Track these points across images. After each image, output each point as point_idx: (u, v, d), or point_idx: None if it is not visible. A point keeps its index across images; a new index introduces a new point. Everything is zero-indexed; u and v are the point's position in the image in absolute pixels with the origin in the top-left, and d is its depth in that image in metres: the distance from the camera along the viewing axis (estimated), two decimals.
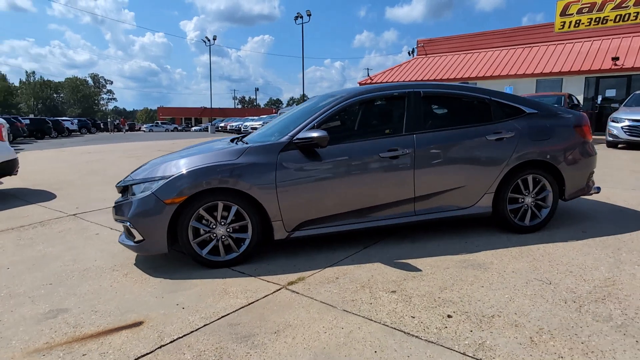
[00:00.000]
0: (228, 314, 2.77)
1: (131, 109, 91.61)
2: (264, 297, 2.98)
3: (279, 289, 3.10)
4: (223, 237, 3.51)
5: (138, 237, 3.44)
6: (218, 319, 2.71)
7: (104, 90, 76.97)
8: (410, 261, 3.52)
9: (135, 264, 3.72)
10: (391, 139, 3.81)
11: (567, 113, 4.36)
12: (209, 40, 44.81)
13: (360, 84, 26.83)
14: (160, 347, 2.42)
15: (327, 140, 3.50)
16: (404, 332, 2.47)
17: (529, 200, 4.08)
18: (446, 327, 2.50)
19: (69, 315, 2.86)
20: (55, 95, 68.80)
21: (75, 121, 36.34)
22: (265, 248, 3.93)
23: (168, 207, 3.35)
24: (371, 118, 4.28)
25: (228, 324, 2.64)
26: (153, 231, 3.39)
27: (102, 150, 16.98)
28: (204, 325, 2.64)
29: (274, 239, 3.62)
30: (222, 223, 3.49)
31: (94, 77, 75.53)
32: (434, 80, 24.22)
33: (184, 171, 3.42)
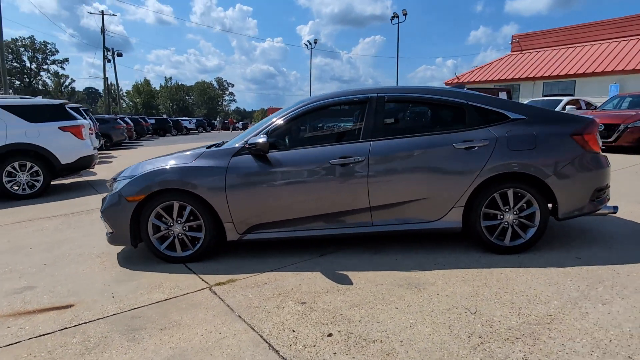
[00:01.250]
0: (139, 307, 2.95)
1: (250, 110, 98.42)
2: (183, 295, 3.12)
3: (203, 289, 3.21)
4: (179, 234, 3.72)
5: (108, 229, 3.81)
6: (128, 310, 2.91)
7: (226, 92, 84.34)
8: (351, 273, 3.37)
9: (118, 254, 4.12)
10: (346, 145, 3.65)
11: (569, 119, 3.73)
12: (310, 43, 46.36)
13: (446, 84, 25.42)
14: (63, 329, 2.70)
15: (267, 146, 3.52)
16: (269, 345, 2.41)
17: (509, 217, 3.60)
18: (314, 346, 2.38)
19: (31, 292, 3.29)
20: (187, 97, 77.12)
21: (194, 121, 40.24)
22: (238, 248, 4.05)
23: (130, 204, 3.66)
24: (330, 124, 4.14)
25: (131, 316, 2.83)
26: (119, 225, 3.72)
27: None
28: (113, 315, 2.86)
29: (227, 240, 3.72)
30: (179, 222, 3.70)
31: (219, 80, 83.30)
32: (527, 78, 22.05)
33: (144, 172, 3.70)
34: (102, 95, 77.83)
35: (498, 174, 3.51)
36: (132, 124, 23.50)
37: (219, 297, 3.05)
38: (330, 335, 2.49)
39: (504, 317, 2.61)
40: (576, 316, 2.59)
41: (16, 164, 7.35)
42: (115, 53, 39.23)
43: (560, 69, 21.13)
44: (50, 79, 67.63)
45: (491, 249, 3.65)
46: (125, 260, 3.90)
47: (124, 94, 75.52)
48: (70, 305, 3.04)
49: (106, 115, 23.25)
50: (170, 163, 3.73)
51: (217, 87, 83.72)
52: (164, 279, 3.43)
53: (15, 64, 60.60)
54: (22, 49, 60.84)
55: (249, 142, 3.63)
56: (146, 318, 2.79)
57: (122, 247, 4.27)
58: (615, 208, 3.79)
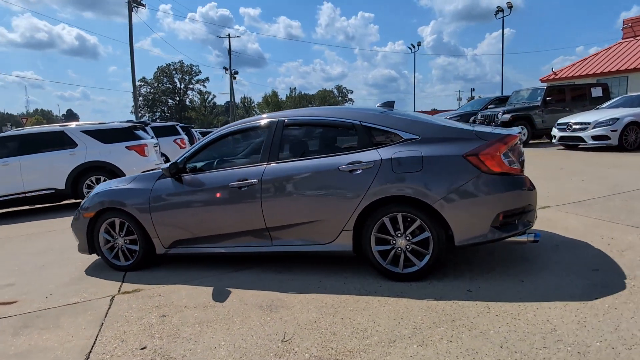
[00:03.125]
0: (51, 308, 3.53)
1: None
2: (89, 300, 3.61)
3: (109, 296, 3.67)
4: (122, 246, 4.26)
5: (76, 239, 4.53)
6: (40, 310, 3.50)
7: (346, 99, 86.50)
8: (236, 291, 3.51)
9: (96, 260, 4.83)
10: (244, 169, 3.79)
11: (468, 137, 3.33)
12: (414, 46, 45.21)
13: (541, 80, 22.37)
14: (4, 317, 3.39)
15: (170, 171, 3.86)
16: (89, 352, 2.74)
17: (402, 242, 3.36)
18: (119, 356, 2.65)
19: (6, 288, 4.12)
20: (309, 105, 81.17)
21: None
22: (180, 260, 4.45)
23: (84, 220, 4.32)
24: (239, 149, 4.24)
25: (36, 316, 3.41)
26: (80, 236, 4.42)
27: None
28: (27, 312, 3.47)
29: (156, 253, 4.15)
30: (121, 235, 4.25)
31: (339, 88, 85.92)
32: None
33: (94, 192, 4.34)
34: (238, 107, 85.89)
35: (383, 197, 3.32)
36: None
37: (110, 305, 3.47)
38: (143, 348, 2.73)
39: (306, 348, 2.56)
40: (375, 355, 2.42)
41: (93, 178, 8.84)
42: (233, 72, 43.13)
43: None
44: (197, 97, 76.87)
45: (386, 275, 3.46)
46: (93, 267, 4.57)
47: (255, 105, 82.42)
48: (15, 302, 3.76)
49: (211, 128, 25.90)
50: (111, 185, 4.32)
51: (337, 94, 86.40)
52: (96, 284, 3.99)
53: (168, 85, 70.41)
54: (174, 72, 70.39)
55: (161, 167, 4.02)
56: (43, 318, 3.35)
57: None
58: (537, 235, 3.27)
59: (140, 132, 9.65)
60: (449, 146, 3.31)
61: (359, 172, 3.40)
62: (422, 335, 2.58)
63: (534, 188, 3.44)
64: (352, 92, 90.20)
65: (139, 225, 4.11)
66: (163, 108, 70.18)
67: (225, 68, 44.35)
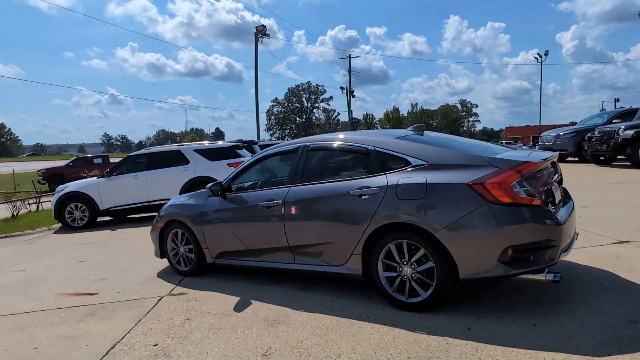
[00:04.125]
0: (117, 302, 4.18)
1: (498, 129, 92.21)
2: (144, 299, 4.19)
3: (158, 296, 4.21)
4: (183, 254, 4.82)
5: (153, 245, 5.25)
6: (107, 302, 4.18)
7: (470, 113, 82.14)
8: (256, 303, 3.76)
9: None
10: (274, 190, 4.03)
11: (476, 164, 3.07)
12: (540, 56, 40.89)
13: None
14: (78, 306, 4.16)
15: (212, 190, 4.27)
16: (118, 342, 3.23)
17: (407, 270, 3.25)
18: (136, 349, 3.08)
19: (99, 282, 4.99)
20: (430, 120, 79.06)
21: None
22: (237, 270, 4.87)
23: (157, 229, 5.01)
24: (274, 171, 4.42)
25: (101, 307, 4.08)
26: (154, 243, 5.12)
27: None
28: (102, 303, 4.18)
29: (207, 262, 4.62)
30: (182, 244, 4.82)
31: (462, 102, 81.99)
32: None
33: (169, 205, 4.99)
34: (360, 124, 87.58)
35: (388, 223, 3.27)
36: None
37: (155, 304, 3.99)
38: (155, 345, 3.12)
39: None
40: None
41: None
42: (351, 91, 44.15)
43: None
44: (322, 114, 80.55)
45: (392, 303, 3.37)
46: (166, 271, 5.23)
47: (377, 122, 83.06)
48: (95, 294, 4.53)
49: None
50: (179, 200, 4.92)
51: (461, 108, 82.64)
52: (157, 285, 4.59)
53: (297, 104, 75.14)
54: (302, 92, 74.94)
55: (206, 186, 4.47)
56: (105, 310, 3.99)
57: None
58: (557, 276, 2.89)
59: (241, 151, 10.64)
60: (456, 173, 3.14)
61: (366, 197, 3.41)
62: None
63: (560, 222, 3.04)
64: (476, 106, 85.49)
65: (193, 236, 4.63)
66: (291, 126, 75.00)
67: (342, 87, 45.78)
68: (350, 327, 3.13)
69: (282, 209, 3.89)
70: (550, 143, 13.93)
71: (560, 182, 3.75)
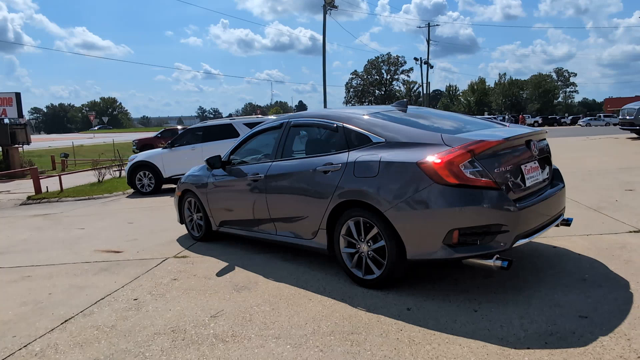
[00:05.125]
0: (128, 260, 4.69)
1: (602, 99, 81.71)
2: (153, 259, 4.64)
3: (163, 257, 4.63)
4: (196, 221, 5.22)
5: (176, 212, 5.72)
6: (123, 260, 4.70)
7: (567, 83, 73.88)
8: (238, 268, 4.00)
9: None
10: (260, 164, 4.17)
11: (429, 143, 2.91)
12: None
13: None
14: (101, 261, 4.76)
15: (209, 163, 4.51)
16: (108, 296, 3.67)
17: (364, 248, 3.24)
18: (118, 300, 3.49)
19: (130, 242, 5.59)
20: (520, 92, 72.76)
21: (499, 118, 38.17)
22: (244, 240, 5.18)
23: (177, 197, 5.45)
24: (267, 145, 4.46)
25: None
26: (176, 210, 5.58)
27: None
28: (118, 260, 4.72)
29: (212, 230, 4.95)
30: (195, 212, 5.20)
31: (558, 71, 73.82)
32: None
33: (185, 175, 5.37)
34: (443, 96, 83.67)
35: (346, 200, 3.27)
36: None
37: (158, 264, 4.42)
38: (135, 299, 3.51)
39: (218, 326, 2.88)
40: (252, 345, 2.59)
41: None
42: (425, 62, 41.96)
43: None
44: (402, 86, 78.13)
45: (352, 278, 3.41)
46: (186, 236, 5.68)
47: (460, 93, 78.65)
48: (120, 252, 5.11)
49: None
50: (192, 170, 5.28)
51: (556, 78, 74.78)
52: (169, 248, 5.03)
53: (376, 77, 73.58)
54: (381, 64, 73.11)
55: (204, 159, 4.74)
56: (119, 266, 4.50)
57: None
58: (504, 263, 2.71)
59: None
60: (409, 152, 3.03)
61: (329, 173, 3.43)
62: (307, 339, 2.60)
63: (516, 206, 2.82)
64: (574, 75, 76.49)
65: (202, 205, 4.98)
66: (370, 99, 73.87)
67: (415, 59, 43.83)
68: (302, 298, 3.24)
69: (265, 183, 4.04)
70: (632, 117, 12.25)
71: (545, 162, 3.44)
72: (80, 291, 3.83)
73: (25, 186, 13.49)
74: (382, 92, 73.17)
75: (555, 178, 3.58)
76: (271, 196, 3.99)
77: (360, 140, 3.39)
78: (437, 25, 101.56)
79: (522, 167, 3.09)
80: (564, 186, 3.50)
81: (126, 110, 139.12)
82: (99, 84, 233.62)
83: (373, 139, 3.30)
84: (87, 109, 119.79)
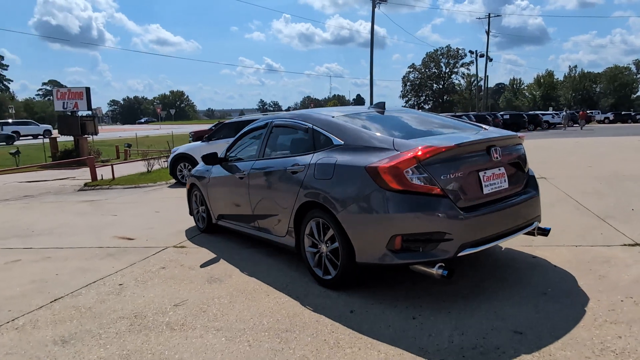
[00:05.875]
0: (130, 247, 5.06)
1: None
2: (153, 247, 4.96)
3: (163, 246, 4.93)
4: (201, 214, 5.49)
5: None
6: (124, 247, 5.08)
7: None
8: (222, 261, 4.20)
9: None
10: (245, 162, 4.32)
11: (379, 148, 2.87)
12: None
13: None
14: (112, 247, 5.19)
15: (203, 159, 4.71)
16: (98, 281, 4.01)
17: (323, 248, 3.28)
18: (105, 284, 3.81)
19: (146, 230, 6.00)
20: (593, 86, 67.12)
21: (562, 114, 35.45)
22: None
23: (187, 190, 5.76)
24: (253, 144, 4.53)
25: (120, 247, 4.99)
26: (188, 203, 5.90)
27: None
28: (126, 246, 5.10)
29: (212, 222, 5.20)
30: (200, 205, 5.48)
31: (638, 62, 66.87)
32: None
33: (194, 169, 5.67)
34: (506, 90, 79.51)
35: (307, 201, 3.33)
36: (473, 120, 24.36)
37: (157, 252, 4.72)
38: (120, 284, 3.80)
39: (176, 314, 3.08)
40: (193, 335, 2.75)
41: None
42: (482, 55, 39.90)
43: None
44: (462, 79, 75.09)
45: (314, 277, 3.47)
46: (194, 228, 5.98)
47: (525, 87, 74.24)
48: (132, 239, 5.50)
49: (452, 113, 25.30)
50: (198, 166, 5.54)
51: (635, 70, 68.07)
52: (174, 238, 5.34)
53: (434, 70, 71.33)
54: (440, 57, 70.72)
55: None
56: (123, 253, 4.87)
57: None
58: (444, 272, 2.65)
59: None
60: (362, 156, 3.03)
61: (296, 174, 3.50)
62: (244, 333, 2.72)
63: (461, 214, 2.74)
64: None
65: (204, 199, 5.24)
66: (428, 92, 71.84)
67: (471, 52, 41.83)
68: (262, 293, 3.36)
69: (248, 180, 4.19)
70: None
71: (516, 168, 3.27)
72: (82, 273, 4.20)
73: (89, 174, 14.73)
74: (440, 86, 70.83)
75: (529, 185, 3.39)
76: (252, 193, 4.14)
77: (325, 142, 3.43)
78: (497, 16, 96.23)
79: (480, 174, 2.97)
80: (536, 194, 3.32)
81: (192, 103, 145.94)
82: (171, 78, 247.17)
83: (334, 141, 3.33)
84: (157, 101, 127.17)
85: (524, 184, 3.36)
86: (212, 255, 4.46)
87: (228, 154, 4.88)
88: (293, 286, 3.46)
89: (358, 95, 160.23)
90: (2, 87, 78.39)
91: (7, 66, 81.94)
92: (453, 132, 3.42)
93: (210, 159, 4.79)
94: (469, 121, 4.22)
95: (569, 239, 3.93)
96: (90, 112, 23.24)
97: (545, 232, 3.40)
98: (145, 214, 7.26)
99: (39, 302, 3.49)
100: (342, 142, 3.26)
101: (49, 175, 15.22)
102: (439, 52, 69.86)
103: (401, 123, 3.61)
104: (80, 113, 22.35)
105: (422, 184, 2.77)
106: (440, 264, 2.72)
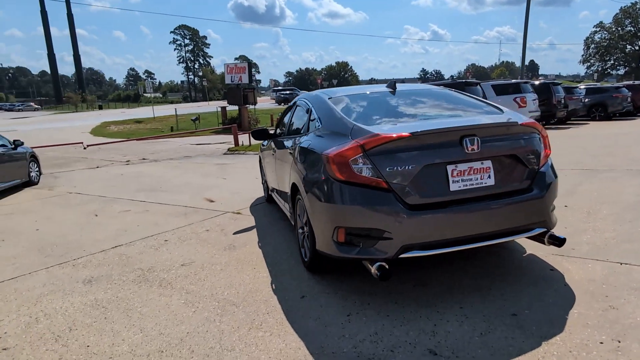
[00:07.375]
0: (202, 208, 5.70)
1: None
2: (218, 211, 5.51)
3: (223, 211, 5.43)
4: (264, 183, 5.84)
5: None
6: (199, 207, 5.74)
7: None
8: (249, 234, 4.47)
9: None
10: (278, 140, 4.38)
11: (344, 133, 2.62)
12: None
13: None
14: (191, 207, 5.97)
15: (251, 134, 4.91)
16: (163, 233, 4.70)
17: (306, 230, 3.21)
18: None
19: (235, 195, 6.67)
20: None
21: None
22: None
23: (259, 161, 6.17)
24: (288, 121, 4.41)
25: (197, 210, 5.68)
26: (260, 173, 6.32)
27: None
28: (202, 208, 5.80)
29: (269, 193, 5.49)
30: (264, 175, 5.82)
31: None
32: None
33: None
34: None
35: (293, 182, 3.31)
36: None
37: (216, 216, 5.24)
38: (167, 240, 4.40)
39: (163, 277, 3.47)
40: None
41: None
42: None
43: None
44: None
45: (300, 258, 3.44)
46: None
47: None
48: (214, 202, 6.19)
49: (607, 85, 20.82)
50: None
51: None
52: (242, 204, 5.81)
53: (630, 28, 57.83)
54: (639, 12, 56.79)
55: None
56: (195, 212, 5.53)
57: None
58: (378, 273, 2.36)
59: (525, 87, 13.08)
60: (327, 141, 2.87)
61: (290, 155, 3.48)
62: (201, 300, 2.94)
63: (405, 212, 2.37)
64: None
65: (263, 171, 5.56)
66: (618, 56, 58.93)
67: None
68: (250, 265, 3.54)
69: (276, 157, 4.30)
70: None
71: (516, 161, 2.63)
72: (154, 227, 4.97)
73: (243, 139, 16.28)
74: (637, 48, 57.16)
75: (536, 184, 2.67)
76: (278, 169, 4.24)
77: (314, 125, 3.32)
78: None
79: (449, 168, 2.49)
80: (538, 195, 2.61)
81: (356, 73, 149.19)
82: (339, 49, 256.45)
83: (318, 124, 3.20)
84: (325, 72, 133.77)
85: (530, 181, 2.67)
86: (252, 224, 4.76)
87: (277, 130, 5.03)
88: (281, 265, 3.52)
89: (532, 61, 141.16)
90: (205, 62, 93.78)
91: (209, 44, 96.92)
92: (437, 117, 2.91)
93: (258, 134, 5.01)
94: (491, 103, 3.48)
95: (620, 253, 3.00)
96: (253, 85, 25.92)
97: (558, 241, 2.68)
98: (246, 179, 7.96)
99: (104, 247, 4.31)
100: (321, 126, 3.11)
101: (214, 140, 17.46)
102: (637, 6, 56.02)
103: (392, 106, 3.22)
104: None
105: (365, 175, 2.49)
106: (380, 263, 2.44)
